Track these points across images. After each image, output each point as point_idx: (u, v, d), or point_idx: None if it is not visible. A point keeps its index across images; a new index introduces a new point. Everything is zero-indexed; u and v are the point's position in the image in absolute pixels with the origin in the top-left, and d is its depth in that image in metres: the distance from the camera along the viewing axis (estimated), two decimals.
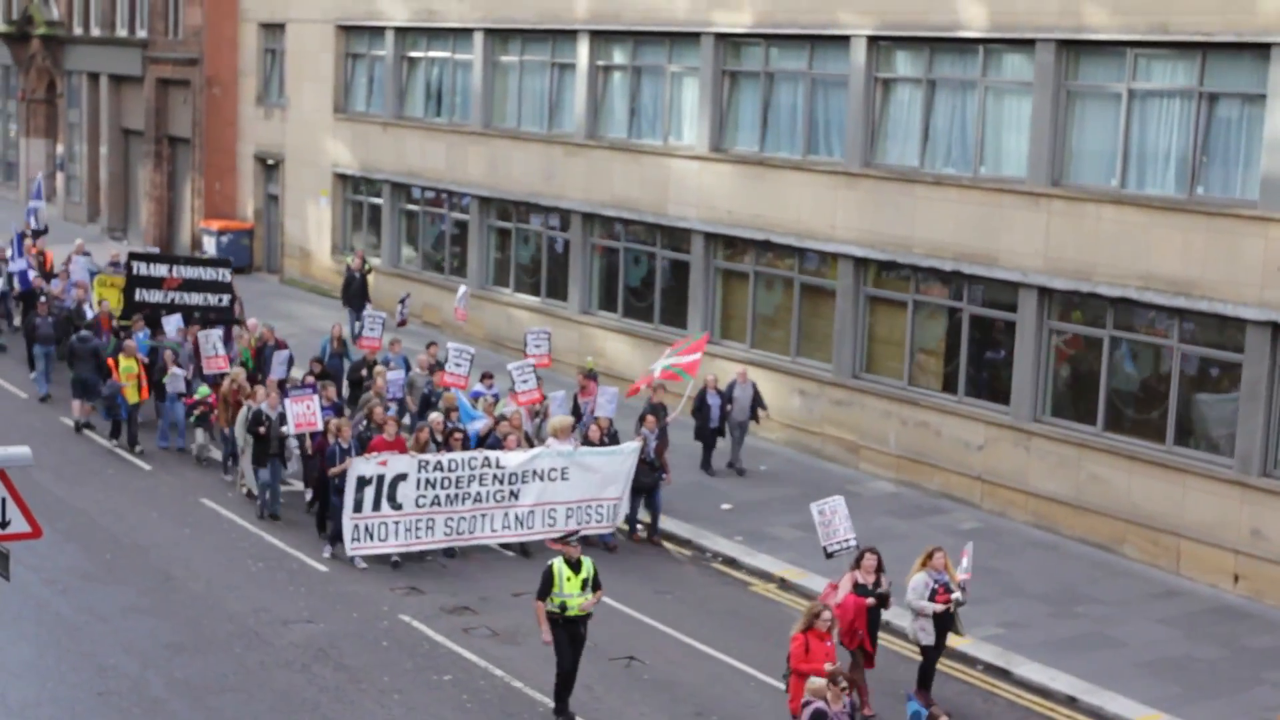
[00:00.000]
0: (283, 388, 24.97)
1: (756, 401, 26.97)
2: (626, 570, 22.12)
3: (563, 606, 17.02)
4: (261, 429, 23.57)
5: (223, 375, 26.36)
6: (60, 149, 54.98)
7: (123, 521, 23.59)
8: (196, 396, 26.64)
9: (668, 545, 23.64)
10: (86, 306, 31.26)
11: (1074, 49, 24.10)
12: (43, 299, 31.32)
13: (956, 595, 17.69)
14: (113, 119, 50.74)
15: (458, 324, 30.83)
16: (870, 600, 17.59)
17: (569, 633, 17.14)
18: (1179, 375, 23.00)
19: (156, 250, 39.07)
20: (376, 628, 19.80)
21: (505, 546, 22.89)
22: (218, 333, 27.78)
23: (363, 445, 22.32)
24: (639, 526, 23.84)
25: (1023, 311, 24.77)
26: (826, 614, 16.16)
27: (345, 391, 27.14)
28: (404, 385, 26.35)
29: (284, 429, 23.46)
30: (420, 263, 38.89)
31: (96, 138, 51.76)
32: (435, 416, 23.58)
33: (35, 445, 16.40)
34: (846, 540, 18.82)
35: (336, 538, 22.02)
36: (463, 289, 30.62)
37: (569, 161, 33.56)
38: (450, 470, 22.00)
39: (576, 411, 25.67)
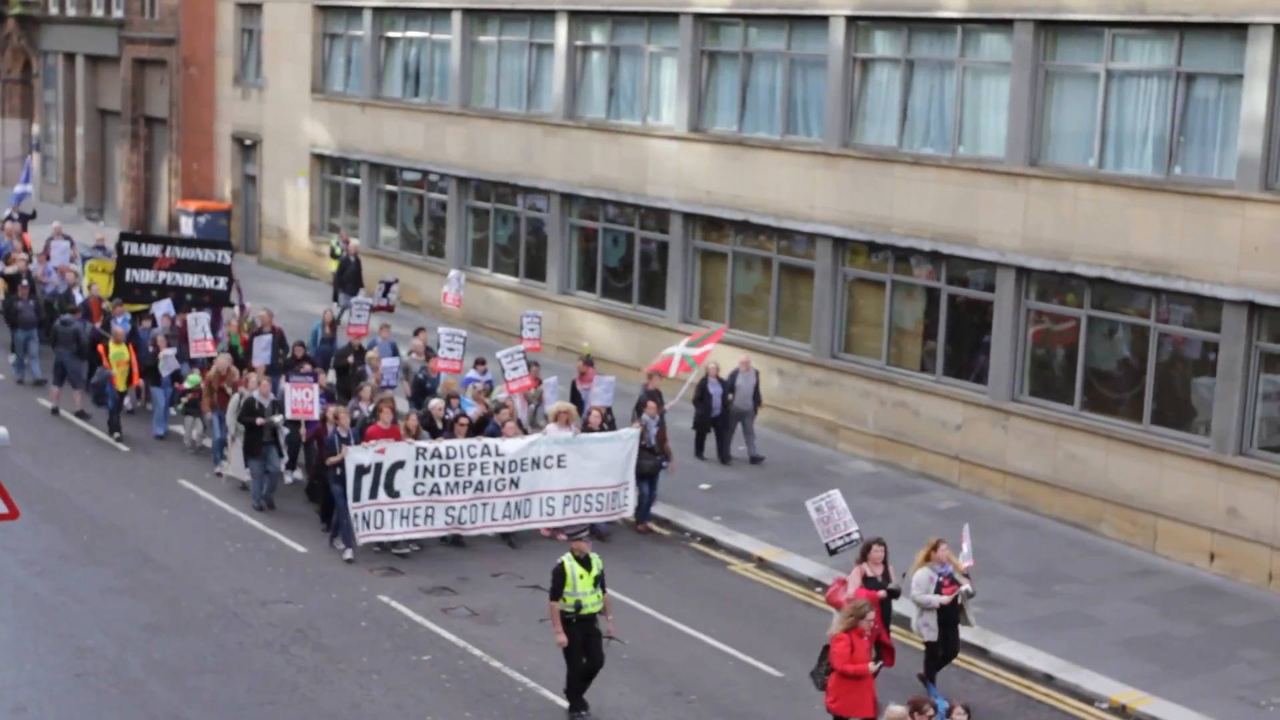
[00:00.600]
0: (271, 372, 24.61)
1: (756, 392, 26.49)
2: (605, 551, 22.09)
3: (577, 605, 16.67)
4: (256, 419, 23.21)
5: (210, 359, 25.95)
6: (36, 129, 54.69)
7: (100, 503, 23.54)
8: (187, 384, 26.06)
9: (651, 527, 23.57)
10: (76, 291, 30.78)
11: (1052, 29, 24.11)
12: (24, 282, 30.82)
13: (965, 587, 17.38)
14: (89, 99, 50.49)
15: (448, 309, 30.42)
16: (882, 594, 17.21)
17: (583, 631, 16.78)
18: (1156, 355, 23.07)
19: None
20: (355, 608, 19.80)
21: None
22: (206, 315, 27.19)
23: (361, 433, 21.97)
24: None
25: (1000, 291, 24.81)
26: (870, 614, 15.88)
27: (332, 378, 26.63)
28: (398, 372, 25.89)
29: (275, 417, 23.16)
30: (399, 243, 38.81)
31: (73, 118, 51.51)
32: (435, 403, 23.32)
33: (12, 427, 16.39)
34: (848, 534, 18.40)
35: (348, 532, 21.57)
36: (454, 273, 30.20)
37: (548, 142, 33.50)
38: (449, 458, 21.60)
39: (575, 398, 25.32)
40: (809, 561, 21.83)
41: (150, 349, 26.87)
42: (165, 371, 26.44)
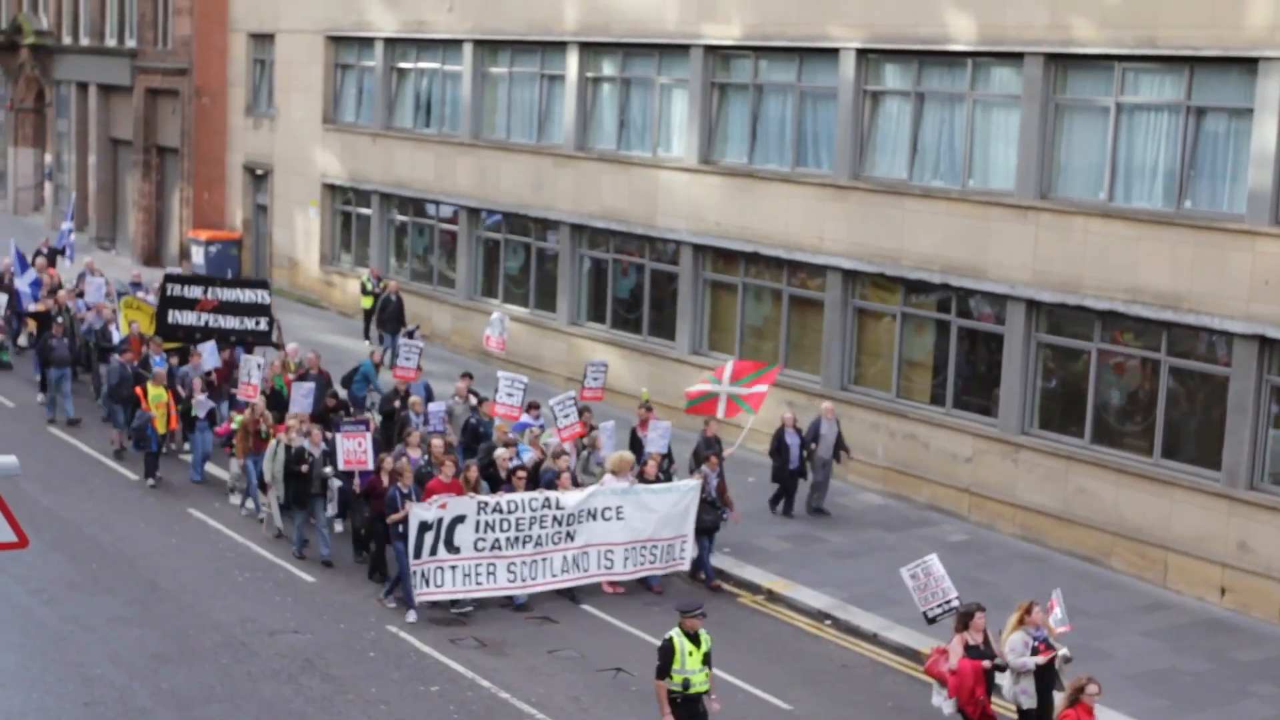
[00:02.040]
0: (314, 421, 23.64)
1: (840, 440, 25.33)
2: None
3: (685, 684, 15.66)
4: (303, 467, 22.26)
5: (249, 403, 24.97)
6: (49, 158, 54.90)
7: (110, 531, 23.53)
8: (233, 425, 25.11)
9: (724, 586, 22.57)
10: (113, 328, 29.95)
11: (1062, 62, 24.16)
12: (60, 319, 30.03)
13: (1063, 651, 16.48)
14: (101, 128, 50.66)
15: (490, 351, 29.56)
16: (988, 664, 16.42)
17: (688, 711, 15.75)
18: (1166, 388, 23.04)
19: (179, 270, 38.22)
20: (363, 638, 19.76)
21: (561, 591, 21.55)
22: (256, 359, 26.04)
23: (419, 485, 21.00)
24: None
25: (1010, 324, 24.80)
26: (1093, 687, 15.32)
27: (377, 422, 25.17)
28: (444, 415, 24.59)
29: (326, 469, 22.24)
30: (409, 274, 38.86)
31: (85, 147, 51.68)
32: (502, 453, 22.40)
33: (22, 455, 16.34)
34: (948, 601, 17.52)
35: (397, 583, 20.84)
36: (497, 316, 29.32)
37: (558, 173, 33.58)
38: (509, 512, 20.69)
39: (636, 445, 24.28)
40: (818, 594, 21.79)
41: (185, 392, 26.10)
42: (198, 413, 25.70)
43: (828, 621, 21.16)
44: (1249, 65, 21.70)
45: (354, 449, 21.80)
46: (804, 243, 28.01)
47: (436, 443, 22.24)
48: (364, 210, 40.21)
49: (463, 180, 36.35)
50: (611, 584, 21.82)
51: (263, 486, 23.74)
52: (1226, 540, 22.09)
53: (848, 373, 27.75)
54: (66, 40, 52.06)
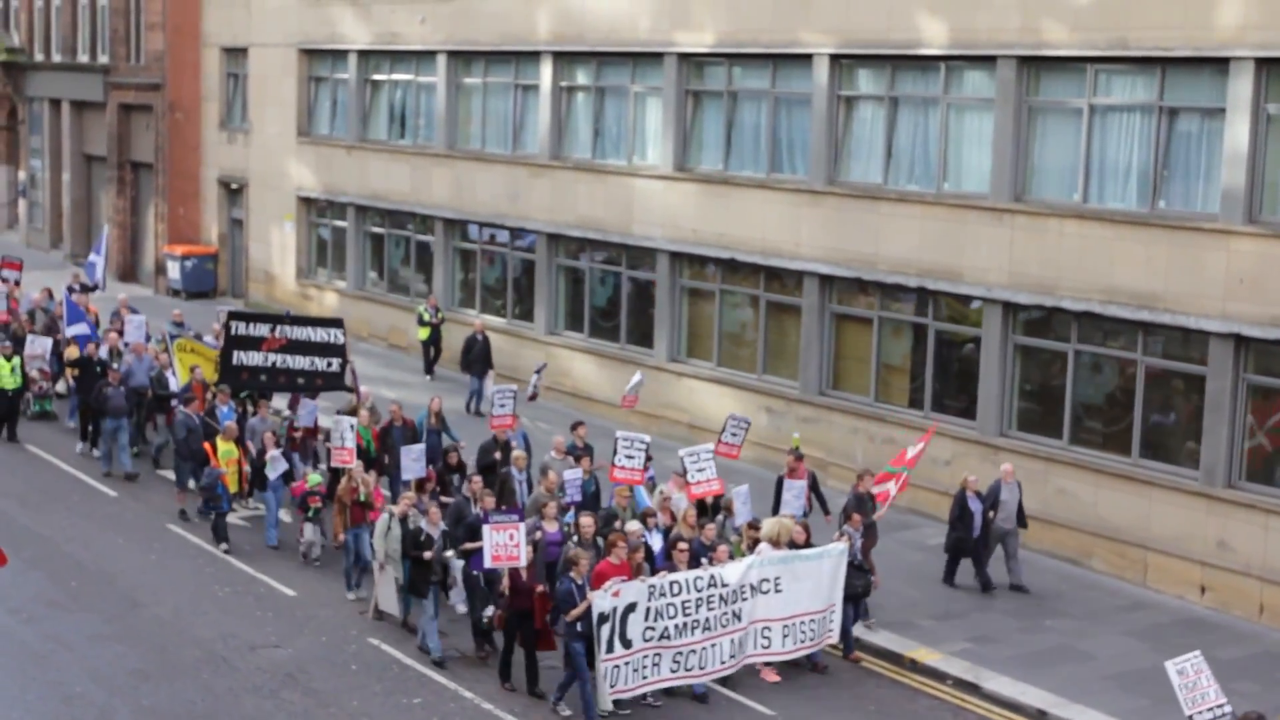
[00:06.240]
0: (422, 489, 21.42)
1: (1021, 508, 22.69)
2: None
3: None
4: (423, 553, 19.59)
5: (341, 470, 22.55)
6: (22, 175, 54.74)
7: (88, 548, 23.43)
8: (308, 485, 23.01)
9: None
10: (169, 374, 27.84)
11: (1035, 65, 24.23)
12: (115, 367, 27.92)
13: None
14: (75, 145, 50.55)
15: (621, 409, 28.35)
16: None
17: None
18: (1143, 388, 23.10)
19: (242, 309, 36.56)
20: (345, 651, 19.70)
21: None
22: (349, 419, 22.94)
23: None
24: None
25: (988, 326, 24.86)
26: None
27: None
28: (580, 484, 21.95)
29: (447, 553, 19.69)
30: (386, 286, 38.82)
31: (59, 164, 51.56)
32: (634, 526, 19.73)
33: None
34: (1220, 706, 15.51)
35: (566, 688, 18.08)
36: (638, 377, 27.05)
37: (534, 182, 33.57)
38: (675, 595, 18.13)
39: (779, 497, 22.34)
40: None
41: (256, 447, 24.34)
42: (273, 474, 23.62)
43: None
44: (1220, 65, 21.79)
45: (504, 543, 18.32)
46: (780, 249, 28.03)
47: (586, 521, 19.71)
48: (339, 223, 40.12)
49: (438, 191, 36.31)
50: (769, 668, 19.53)
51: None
52: (1205, 539, 22.15)
53: (826, 377, 27.77)
54: (39, 57, 51.93)
